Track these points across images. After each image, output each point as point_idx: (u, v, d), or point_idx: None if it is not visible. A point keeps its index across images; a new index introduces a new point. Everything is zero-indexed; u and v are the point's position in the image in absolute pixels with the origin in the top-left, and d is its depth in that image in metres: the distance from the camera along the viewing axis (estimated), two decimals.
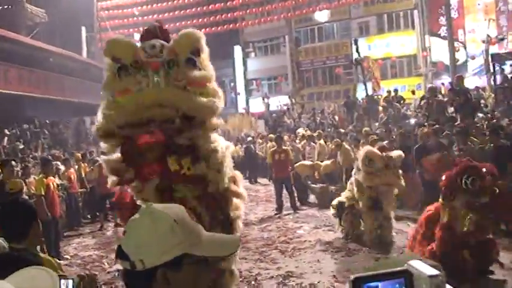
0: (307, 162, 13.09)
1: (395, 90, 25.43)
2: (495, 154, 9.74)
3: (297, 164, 13.19)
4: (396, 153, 9.81)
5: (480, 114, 15.17)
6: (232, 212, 4.91)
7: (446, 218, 6.81)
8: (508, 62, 20.99)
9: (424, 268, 1.25)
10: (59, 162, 13.03)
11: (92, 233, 13.08)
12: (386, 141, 12.92)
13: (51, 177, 11.13)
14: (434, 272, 1.23)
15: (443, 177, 7.10)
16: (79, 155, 15.95)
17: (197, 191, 4.56)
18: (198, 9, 30.00)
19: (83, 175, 14.36)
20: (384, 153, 9.56)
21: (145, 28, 4.74)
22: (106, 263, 9.74)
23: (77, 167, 14.43)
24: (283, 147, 14.17)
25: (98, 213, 14.39)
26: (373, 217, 9.66)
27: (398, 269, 1.28)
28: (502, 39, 28.37)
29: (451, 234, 6.71)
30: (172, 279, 1.53)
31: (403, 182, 9.69)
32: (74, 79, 29.47)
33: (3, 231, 3.40)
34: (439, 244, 6.79)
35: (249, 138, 23.41)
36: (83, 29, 34.34)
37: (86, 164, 14.96)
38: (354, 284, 1.22)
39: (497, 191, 6.76)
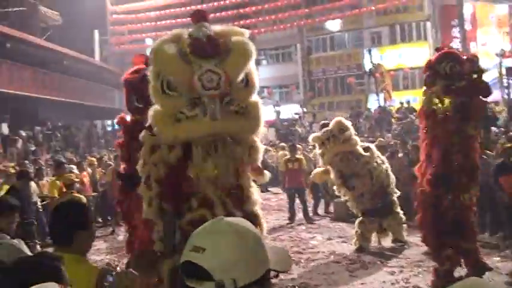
0: (320, 169, 12.94)
1: (408, 102, 25.43)
2: None
3: (312, 175, 13.13)
4: (333, 122, 10.33)
5: (493, 128, 15.13)
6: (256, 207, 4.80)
7: (427, 105, 7.28)
8: None
9: None
10: (73, 166, 13.04)
11: (103, 237, 13.03)
12: (401, 154, 12.90)
13: None
14: None
15: (424, 65, 7.64)
16: (94, 159, 15.97)
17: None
18: (212, 15, 30.08)
19: (97, 179, 14.36)
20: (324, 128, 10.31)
21: (195, 38, 4.35)
22: (119, 268, 9.71)
23: (90, 170, 14.43)
24: (297, 156, 14.11)
25: (109, 218, 14.37)
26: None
27: None
28: None
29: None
30: None
31: (356, 146, 10.13)
32: (86, 82, 29.58)
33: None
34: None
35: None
36: (96, 32, 34.48)
37: (100, 168, 14.96)
38: None
39: (475, 76, 7.16)
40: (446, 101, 7.05)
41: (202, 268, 1.47)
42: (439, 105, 7.11)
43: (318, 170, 13.21)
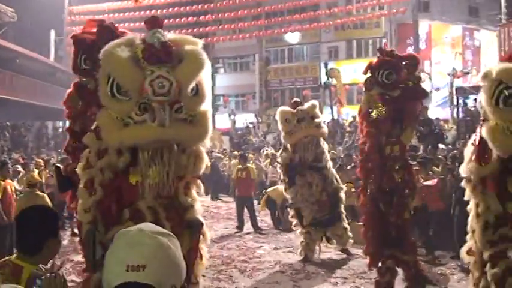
0: (281, 187, 13.02)
1: None
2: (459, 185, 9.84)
3: (270, 190, 13.19)
4: (309, 104, 10.50)
5: (441, 146, 15.45)
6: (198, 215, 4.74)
7: (364, 106, 7.51)
8: (472, 96, 21.51)
9: None
10: (19, 166, 12.72)
11: None
12: (349, 167, 13.07)
13: (9, 181, 10.87)
14: None
15: (365, 66, 7.71)
16: (40, 160, 15.61)
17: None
18: (171, 21, 29.81)
19: (43, 181, 14.02)
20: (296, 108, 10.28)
21: (149, 44, 4.29)
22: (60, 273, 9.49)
23: (37, 171, 14.10)
24: (247, 165, 14.17)
25: None
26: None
27: None
28: (467, 73, 29.09)
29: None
30: None
31: (324, 135, 10.55)
32: (39, 82, 28.90)
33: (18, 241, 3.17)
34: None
35: (216, 154, 23.09)
36: (52, 32, 33.84)
37: (47, 171, 14.62)
38: None
39: (411, 84, 7.26)
40: (381, 107, 7.21)
41: (147, 285, 1.48)
42: (374, 109, 7.29)
43: (277, 188, 13.13)
